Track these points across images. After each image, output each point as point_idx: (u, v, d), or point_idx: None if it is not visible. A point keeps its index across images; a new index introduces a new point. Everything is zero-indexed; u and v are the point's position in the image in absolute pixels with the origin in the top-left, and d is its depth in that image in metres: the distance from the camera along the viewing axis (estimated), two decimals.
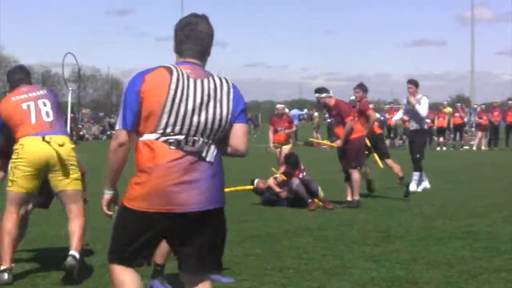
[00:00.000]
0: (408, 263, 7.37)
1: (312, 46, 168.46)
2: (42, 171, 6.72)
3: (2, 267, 6.64)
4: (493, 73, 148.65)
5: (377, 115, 48.33)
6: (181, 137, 3.97)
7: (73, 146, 6.94)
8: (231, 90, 4.12)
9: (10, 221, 6.76)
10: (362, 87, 13.97)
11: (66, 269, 6.59)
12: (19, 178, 6.68)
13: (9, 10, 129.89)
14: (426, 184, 14.72)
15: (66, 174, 6.79)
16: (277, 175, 12.55)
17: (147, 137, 3.98)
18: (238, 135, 4.15)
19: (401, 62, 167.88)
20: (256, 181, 12.62)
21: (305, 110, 41.43)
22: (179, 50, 4.19)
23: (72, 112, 23.47)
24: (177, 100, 3.96)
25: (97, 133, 48.29)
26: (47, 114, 6.83)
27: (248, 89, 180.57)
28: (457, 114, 34.25)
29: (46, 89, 7.29)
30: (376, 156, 13.89)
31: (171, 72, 4.01)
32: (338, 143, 12.35)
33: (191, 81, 4.02)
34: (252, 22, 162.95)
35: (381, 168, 14.09)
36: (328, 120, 14.08)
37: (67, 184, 6.81)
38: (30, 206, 7.24)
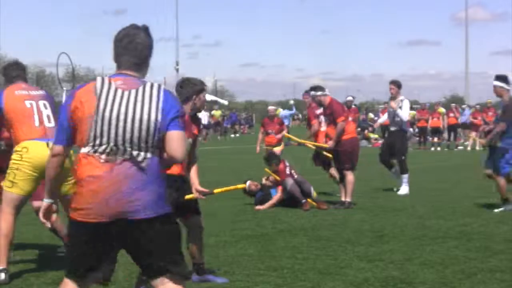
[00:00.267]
0: (403, 263, 7.38)
1: (307, 46, 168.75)
2: (42, 176, 6.73)
3: None
4: (487, 73, 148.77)
5: (371, 115, 48.44)
6: (109, 148, 4.01)
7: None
8: (161, 98, 4.08)
9: (7, 222, 6.78)
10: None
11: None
12: (20, 181, 6.70)
13: (3, 9, 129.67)
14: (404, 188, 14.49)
15: (67, 179, 6.83)
16: (270, 176, 12.54)
17: (82, 150, 4.09)
18: (172, 142, 4.08)
19: (396, 62, 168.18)
20: (248, 183, 12.60)
21: (294, 108, 40.99)
22: (117, 61, 4.23)
23: None
24: (104, 113, 4.01)
25: None
26: (49, 119, 6.85)
27: (242, 89, 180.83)
28: (451, 115, 34.29)
29: (42, 89, 7.29)
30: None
31: (99, 87, 4.07)
32: (330, 143, 12.33)
33: (119, 92, 4.05)
34: (247, 22, 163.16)
35: (377, 169, 14.08)
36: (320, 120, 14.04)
37: (69, 189, 6.84)
38: None
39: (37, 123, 6.78)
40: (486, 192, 14.17)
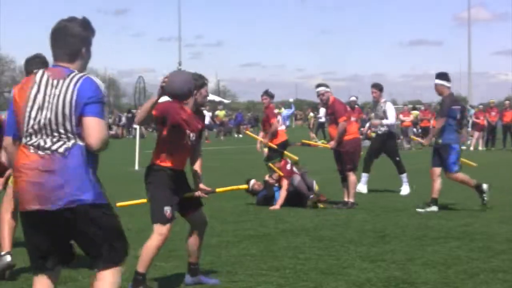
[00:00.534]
0: (405, 263, 7.38)
1: (309, 46, 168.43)
2: None
3: (3, 252, 6.83)
4: (489, 73, 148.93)
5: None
6: (34, 137, 4.10)
7: None
8: (80, 83, 4.10)
9: (9, 213, 6.96)
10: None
11: None
12: None
13: (5, 10, 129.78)
14: (362, 187, 14.33)
15: None
16: (273, 173, 12.56)
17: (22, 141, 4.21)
18: (86, 129, 4.08)
19: (398, 62, 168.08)
20: (252, 182, 12.62)
21: (293, 107, 40.89)
22: (52, 53, 4.29)
23: None
24: (33, 104, 4.12)
25: None
26: None
27: (244, 89, 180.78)
28: None
29: None
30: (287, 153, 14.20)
31: (34, 78, 4.18)
32: (331, 144, 12.34)
33: (50, 82, 4.13)
34: (248, 22, 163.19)
35: (379, 170, 14.07)
36: (320, 120, 14.18)
37: None
38: None
39: None
40: (488, 192, 14.16)
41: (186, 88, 5.98)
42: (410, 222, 10.20)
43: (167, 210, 6.11)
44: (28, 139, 4.11)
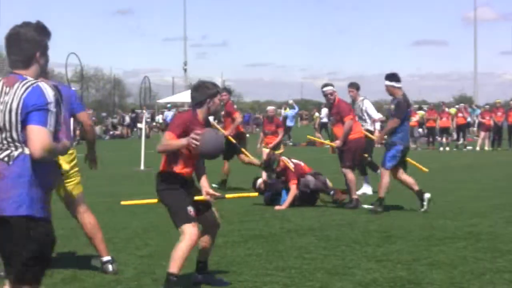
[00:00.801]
0: (411, 263, 7.36)
1: (314, 46, 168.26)
2: None
3: None
4: (495, 73, 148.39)
5: (380, 115, 48.34)
6: None
7: (74, 154, 6.97)
8: (28, 91, 4.03)
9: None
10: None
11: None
12: None
13: (11, 9, 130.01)
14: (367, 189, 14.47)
15: (69, 181, 6.91)
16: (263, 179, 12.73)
17: None
18: (28, 137, 4.00)
19: (403, 62, 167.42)
20: (259, 181, 12.68)
21: (295, 107, 40.81)
22: (7, 61, 4.24)
23: None
24: None
25: (99, 133, 48.28)
26: None
27: (249, 89, 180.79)
28: (460, 115, 34.22)
29: (52, 84, 7.15)
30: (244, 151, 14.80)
31: None
32: (337, 143, 12.37)
33: (3, 90, 4.08)
34: (254, 22, 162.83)
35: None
36: (322, 121, 14.22)
37: (71, 189, 6.91)
38: None
39: None
40: (494, 192, 14.16)
41: (218, 152, 6.29)
42: (416, 222, 10.17)
43: (190, 209, 6.16)
44: None
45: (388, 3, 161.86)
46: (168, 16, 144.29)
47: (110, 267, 6.99)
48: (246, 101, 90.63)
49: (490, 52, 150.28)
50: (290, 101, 42.41)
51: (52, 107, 4.04)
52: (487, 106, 36.11)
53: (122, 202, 6.85)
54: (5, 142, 4.03)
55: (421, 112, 37.66)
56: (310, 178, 12.22)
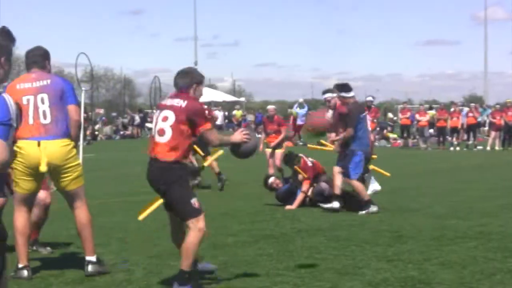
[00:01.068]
0: (421, 263, 7.36)
1: (324, 45, 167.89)
2: (40, 174, 6.78)
3: (20, 265, 6.82)
4: (506, 73, 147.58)
5: (390, 115, 48.24)
6: None
7: (70, 147, 6.86)
8: None
9: (21, 219, 6.91)
10: None
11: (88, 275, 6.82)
12: (20, 180, 6.78)
13: (21, 10, 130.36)
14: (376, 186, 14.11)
15: (64, 176, 6.85)
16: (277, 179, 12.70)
17: None
18: None
19: (414, 61, 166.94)
20: (271, 180, 12.70)
21: (305, 106, 40.69)
22: None
23: (85, 112, 23.57)
24: None
25: (109, 133, 48.42)
26: (44, 115, 6.75)
27: (259, 89, 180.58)
28: (470, 114, 34.12)
29: (52, 78, 7.06)
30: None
31: None
32: (335, 146, 12.22)
33: None
34: (265, 21, 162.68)
35: (395, 169, 14.04)
36: None
37: (66, 185, 6.88)
38: None
39: (31, 121, 6.72)
40: (504, 192, 14.13)
41: (253, 152, 6.72)
42: (427, 222, 10.16)
43: (195, 201, 6.15)
44: None
45: (399, 3, 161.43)
46: (179, 16, 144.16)
47: (89, 267, 6.89)
48: (256, 101, 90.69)
49: (501, 52, 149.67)
50: (301, 100, 42.36)
51: (14, 122, 3.92)
52: (498, 106, 36.00)
53: (140, 218, 6.83)
54: None
55: (431, 112, 37.59)
56: (324, 185, 12.12)
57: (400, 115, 37.54)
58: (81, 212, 6.98)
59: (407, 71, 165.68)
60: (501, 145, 32.44)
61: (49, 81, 6.92)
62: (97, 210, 9.97)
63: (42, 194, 7.66)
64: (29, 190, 6.83)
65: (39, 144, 6.63)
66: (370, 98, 22.44)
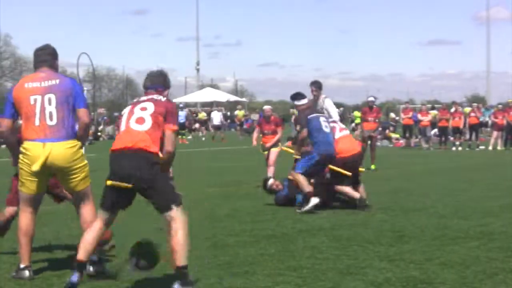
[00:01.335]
0: (423, 263, 7.35)
1: (326, 45, 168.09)
2: (46, 175, 6.77)
3: (22, 265, 6.81)
4: (508, 73, 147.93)
5: (392, 115, 48.19)
6: None
7: (76, 148, 6.80)
8: None
9: (25, 220, 6.87)
10: None
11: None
12: (26, 181, 6.76)
13: (24, 10, 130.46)
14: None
15: (73, 178, 6.82)
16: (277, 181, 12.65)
17: None
18: None
19: (416, 61, 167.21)
20: (270, 182, 12.65)
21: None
22: None
23: None
24: None
25: (111, 133, 48.39)
26: (51, 117, 6.68)
27: (262, 89, 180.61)
28: (473, 114, 34.10)
29: (61, 78, 6.96)
30: None
31: None
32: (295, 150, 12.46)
33: None
34: (267, 21, 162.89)
35: (397, 169, 14.04)
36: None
37: (75, 185, 6.85)
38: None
39: (37, 122, 6.67)
40: (507, 192, 14.11)
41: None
42: (429, 222, 10.15)
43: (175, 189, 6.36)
44: None
45: (401, 3, 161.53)
46: (182, 16, 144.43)
47: (90, 267, 6.80)
48: (258, 101, 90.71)
49: (503, 52, 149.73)
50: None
51: None
52: (500, 106, 35.96)
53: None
54: None
55: (433, 112, 37.57)
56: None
57: (402, 115, 37.51)
58: (88, 211, 6.96)
59: (409, 71, 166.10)
60: (503, 145, 32.41)
61: (57, 80, 6.84)
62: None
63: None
64: (33, 191, 6.81)
65: (44, 146, 6.61)
66: (371, 98, 22.38)
